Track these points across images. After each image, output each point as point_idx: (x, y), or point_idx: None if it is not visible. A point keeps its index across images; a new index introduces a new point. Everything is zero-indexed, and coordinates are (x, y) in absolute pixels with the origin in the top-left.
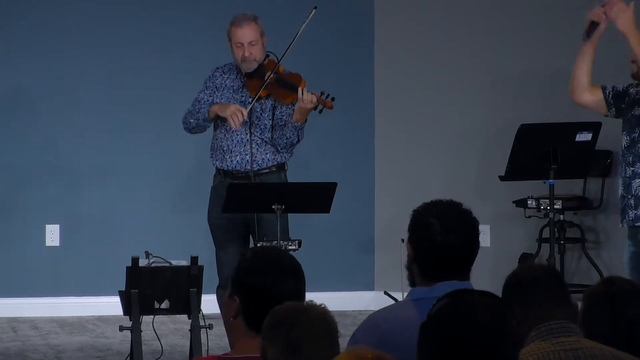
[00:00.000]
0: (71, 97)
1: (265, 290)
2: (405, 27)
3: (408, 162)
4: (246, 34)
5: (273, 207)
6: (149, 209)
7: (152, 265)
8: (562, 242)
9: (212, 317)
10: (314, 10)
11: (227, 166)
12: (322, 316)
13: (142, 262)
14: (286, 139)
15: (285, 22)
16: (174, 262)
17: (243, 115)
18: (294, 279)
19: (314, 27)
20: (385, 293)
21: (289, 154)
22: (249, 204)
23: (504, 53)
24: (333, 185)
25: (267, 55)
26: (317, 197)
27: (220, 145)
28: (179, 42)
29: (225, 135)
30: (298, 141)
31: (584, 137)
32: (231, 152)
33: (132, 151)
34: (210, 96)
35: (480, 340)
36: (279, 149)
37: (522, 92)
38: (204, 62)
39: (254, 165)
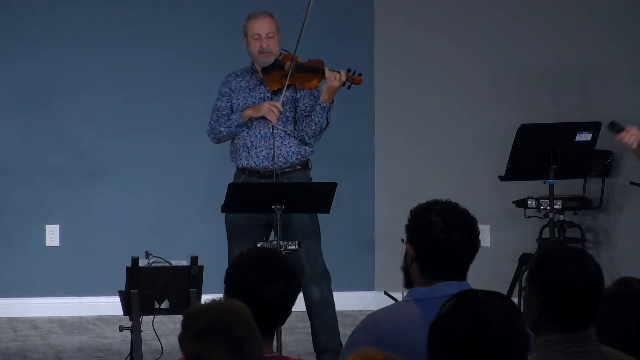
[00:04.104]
0: (72, 98)
1: (250, 290)
2: (405, 26)
3: (408, 162)
4: (263, 25)
5: (273, 207)
6: (149, 209)
7: (152, 265)
8: None
9: None
10: None
11: (254, 163)
12: (246, 311)
13: (142, 262)
14: (315, 124)
15: (291, 19)
16: (174, 262)
17: (278, 109)
18: (283, 281)
19: (314, 27)
20: (385, 293)
21: (311, 149)
22: (249, 204)
23: (505, 52)
24: (333, 185)
25: (281, 53)
26: (317, 197)
27: (244, 143)
28: (183, 43)
29: (248, 132)
30: (327, 124)
31: (584, 137)
32: (256, 147)
33: (132, 151)
34: (228, 102)
35: (490, 340)
36: (308, 138)
37: (522, 91)
38: (210, 64)
39: (280, 159)
